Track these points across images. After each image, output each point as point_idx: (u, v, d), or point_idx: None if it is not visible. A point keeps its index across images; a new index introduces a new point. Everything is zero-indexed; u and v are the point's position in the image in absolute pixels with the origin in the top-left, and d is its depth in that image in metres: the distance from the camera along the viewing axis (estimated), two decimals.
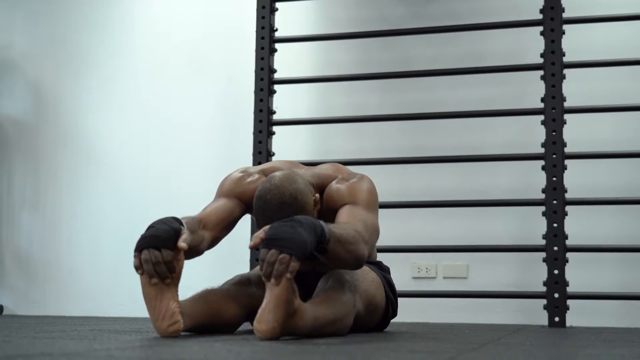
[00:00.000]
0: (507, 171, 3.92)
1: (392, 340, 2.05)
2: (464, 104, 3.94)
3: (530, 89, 3.77)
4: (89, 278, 4.48)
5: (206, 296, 2.23)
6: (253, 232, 3.63)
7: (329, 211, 2.32)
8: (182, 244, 2.02)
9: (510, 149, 3.84)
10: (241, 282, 2.35)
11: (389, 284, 2.50)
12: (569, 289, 3.44)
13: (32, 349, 1.54)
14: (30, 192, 4.69)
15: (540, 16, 3.65)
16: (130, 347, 1.65)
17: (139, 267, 2.00)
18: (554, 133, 3.54)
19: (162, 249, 2.00)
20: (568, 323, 3.42)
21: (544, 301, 3.44)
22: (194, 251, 2.22)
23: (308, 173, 2.40)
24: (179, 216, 2.18)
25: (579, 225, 3.60)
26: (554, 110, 3.55)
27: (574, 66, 3.65)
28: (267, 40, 3.93)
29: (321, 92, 4.27)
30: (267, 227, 1.93)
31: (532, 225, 3.72)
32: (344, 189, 2.34)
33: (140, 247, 2.01)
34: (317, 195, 2.30)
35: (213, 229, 2.32)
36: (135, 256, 2.01)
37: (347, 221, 2.20)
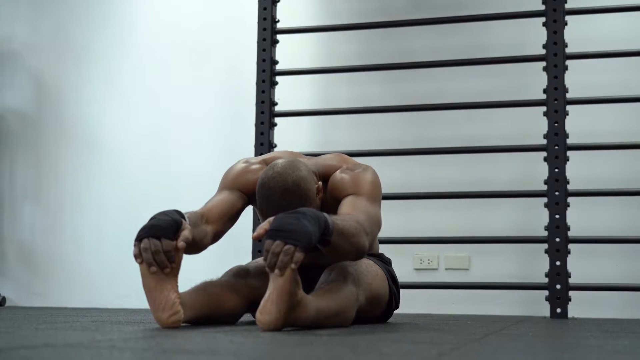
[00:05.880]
0: (509, 162, 3.92)
1: (394, 331, 2.05)
2: (466, 95, 3.94)
3: (533, 80, 3.76)
4: (91, 270, 4.49)
5: (206, 288, 2.23)
6: (255, 224, 3.63)
7: (332, 200, 2.32)
8: (181, 243, 2.01)
9: (513, 141, 3.83)
10: (240, 274, 2.35)
11: (391, 276, 2.49)
12: (571, 281, 3.45)
13: (35, 340, 1.54)
14: (32, 183, 4.70)
15: (543, 7, 3.65)
16: (133, 337, 1.65)
17: (138, 256, 2.01)
18: (556, 124, 3.53)
19: (162, 239, 2.00)
20: (570, 314, 3.42)
21: (546, 292, 3.45)
22: (197, 245, 2.22)
23: (311, 162, 2.40)
24: (182, 211, 2.17)
25: (581, 217, 3.60)
26: (556, 102, 3.54)
27: (577, 57, 3.64)
28: (268, 32, 3.92)
29: (323, 84, 4.26)
30: (271, 219, 1.93)
31: (534, 217, 3.72)
32: (348, 179, 2.34)
33: (141, 236, 2.02)
34: (320, 183, 2.31)
35: (216, 223, 2.32)
36: (135, 245, 2.02)
37: (349, 212, 2.20)
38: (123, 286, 4.28)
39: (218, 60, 4.46)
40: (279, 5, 4.02)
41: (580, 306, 3.51)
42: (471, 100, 3.87)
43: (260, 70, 3.90)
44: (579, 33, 3.70)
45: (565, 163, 3.50)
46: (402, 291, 2.62)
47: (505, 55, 3.84)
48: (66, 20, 4.76)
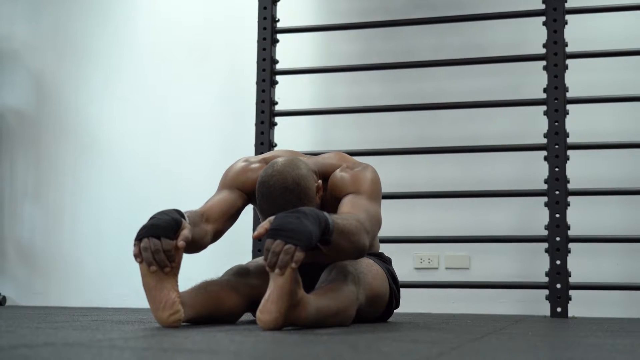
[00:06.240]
0: (510, 162, 3.92)
1: (395, 330, 2.05)
2: (466, 94, 3.94)
3: (533, 80, 3.76)
4: (91, 269, 4.49)
5: (206, 287, 2.23)
6: (255, 223, 3.63)
7: (332, 199, 2.32)
8: (181, 242, 2.01)
9: (513, 140, 3.83)
10: (240, 273, 2.35)
11: (391, 276, 2.49)
12: (571, 280, 3.45)
13: (35, 339, 1.54)
14: (33, 183, 4.70)
15: (543, 6, 3.65)
16: (133, 337, 1.65)
17: (138, 256, 2.01)
18: (556, 123, 3.53)
19: (162, 238, 2.00)
20: (570, 313, 3.42)
21: (546, 292, 3.45)
22: (197, 245, 2.22)
23: (311, 161, 2.40)
24: (182, 210, 2.17)
25: (581, 216, 3.60)
26: (556, 101, 3.54)
27: (577, 56, 3.64)
28: (269, 31, 3.93)
29: (323, 83, 4.26)
30: (272, 218, 1.93)
31: (534, 216, 3.72)
32: (348, 177, 2.34)
33: (140, 236, 2.02)
34: (320, 182, 2.31)
35: (216, 222, 2.32)
36: (135, 245, 2.02)
37: (350, 211, 2.20)
38: (123, 285, 4.28)
39: (218, 59, 4.46)
40: (279, 4, 4.02)
41: (580, 305, 3.51)
42: (471, 99, 3.87)
43: (261, 70, 3.90)
44: (579, 32, 3.70)
45: (566, 162, 3.51)
46: (402, 290, 2.62)
47: (505, 55, 3.83)
48: (66, 19, 4.76)
